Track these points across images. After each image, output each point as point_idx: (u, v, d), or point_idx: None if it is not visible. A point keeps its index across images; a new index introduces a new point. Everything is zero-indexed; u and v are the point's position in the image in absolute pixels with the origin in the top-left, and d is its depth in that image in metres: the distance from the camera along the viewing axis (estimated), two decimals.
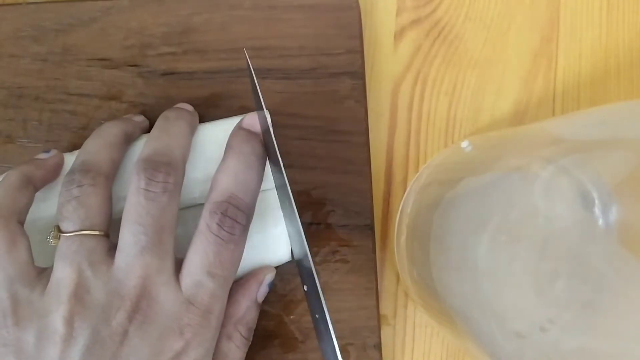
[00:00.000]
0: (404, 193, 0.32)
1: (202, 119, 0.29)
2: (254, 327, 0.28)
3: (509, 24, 0.32)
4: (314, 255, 0.30)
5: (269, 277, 0.28)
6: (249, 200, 0.25)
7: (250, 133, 0.27)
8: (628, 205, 0.17)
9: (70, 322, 0.22)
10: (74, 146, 0.31)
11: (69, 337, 0.22)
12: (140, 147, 0.27)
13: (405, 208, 0.31)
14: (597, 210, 0.17)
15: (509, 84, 0.32)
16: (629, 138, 0.19)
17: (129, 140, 0.27)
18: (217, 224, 0.24)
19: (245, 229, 0.25)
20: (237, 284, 0.27)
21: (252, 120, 0.27)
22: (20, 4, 0.32)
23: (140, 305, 0.23)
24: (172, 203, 0.24)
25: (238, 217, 0.24)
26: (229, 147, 0.26)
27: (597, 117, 0.23)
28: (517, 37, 0.32)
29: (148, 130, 0.30)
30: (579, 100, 0.32)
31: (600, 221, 0.17)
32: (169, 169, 0.24)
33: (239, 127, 0.27)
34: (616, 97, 0.32)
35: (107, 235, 0.24)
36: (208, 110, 0.31)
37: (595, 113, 0.24)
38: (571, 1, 0.32)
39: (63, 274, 0.23)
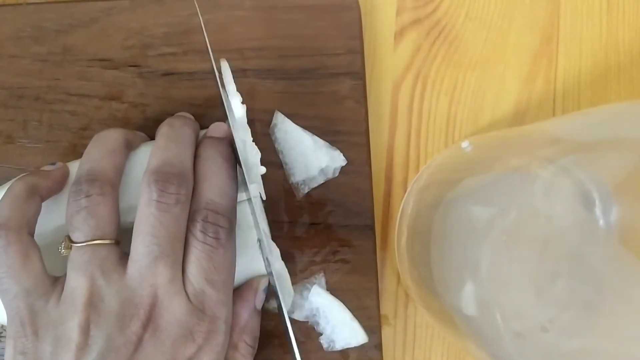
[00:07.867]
0: (404, 193, 0.32)
1: (202, 119, 0.29)
2: (258, 335, 0.28)
3: (509, 24, 0.32)
4: (313, 255, 0.30)
5: (263, 283, 0.28)
6: (226, 202, 0.25)
7: (214, 139, 0.27)
8: (628, 205, 0.17)
9: (85, 331, 0.22)
10: (74, 147, 0.31)
11: (84, 345, 0.22)
12: (140, 155, 0.27)
13: (405, 208, 0.31)
14: (597, 210, 0.17)
15: (509, 84, 0.32)
16: (629, 138, 0.19)
17: (129, 146, 0.27)
18: (201, 231, 0.24)
19: (229, 231, 0.25)
20: (234, 295, 0.27)
21: (215, 129, 0.27)
22: (20, 4, 0.32)
23: (154, 313, 0.23)
24: (183, 214, 0.24)
25: (219, 222, 0.24)
26: (196, 157, 0.26)
27: (597, 117, 0.23)
28: (517, 37, 0.32)
29: (145, 138, 0.30)
30: (580, 100, 0.32)
31: (601, 221, 0.17)
32: (180, 180, 0.24)
33: (203, 137, 0.27)
34: (616, 97, 0.32)
35: (117, 242, 0.24)
36: (208, 110, 0.31)
37: (595, 113, 0.24)
38: (571, 1, 0.32)
39: (77, 284, 0.23)
